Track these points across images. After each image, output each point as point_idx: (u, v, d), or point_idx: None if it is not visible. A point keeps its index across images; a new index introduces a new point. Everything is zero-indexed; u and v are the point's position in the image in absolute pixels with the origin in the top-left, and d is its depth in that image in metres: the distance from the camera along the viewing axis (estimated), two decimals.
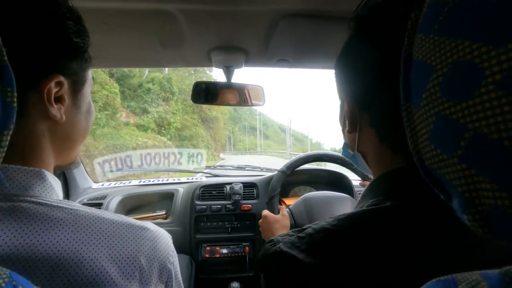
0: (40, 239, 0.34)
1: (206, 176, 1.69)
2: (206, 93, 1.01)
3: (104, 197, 1.42)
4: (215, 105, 1.03)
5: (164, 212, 1.46)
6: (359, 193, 1.44)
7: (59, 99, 0.40)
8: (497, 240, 0.18)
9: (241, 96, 1.05)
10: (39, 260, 0.33)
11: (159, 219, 1.42)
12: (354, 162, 0.48)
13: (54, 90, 0.38)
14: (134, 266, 0.39)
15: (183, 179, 1.65)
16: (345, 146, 0.49)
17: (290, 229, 1.05)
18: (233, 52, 0.90)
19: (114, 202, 1.39)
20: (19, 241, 0.33)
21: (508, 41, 0.15)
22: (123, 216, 0.43)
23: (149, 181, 1.65)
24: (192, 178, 1.65)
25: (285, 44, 0.85)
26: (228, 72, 0.98)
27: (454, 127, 0.19)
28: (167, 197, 1.50)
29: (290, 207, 1.11)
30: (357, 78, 0.40)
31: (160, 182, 1.62)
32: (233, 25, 0.76)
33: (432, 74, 0.20)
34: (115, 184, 1.62)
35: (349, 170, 1.25)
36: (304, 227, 0.38)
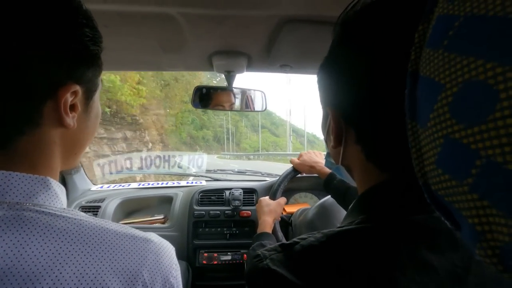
0: (41, 250, 0.33)
1: (206, 180, 1.68)
2: (206, 98, 0.99)
3: (102, 200, 1.40)
4: (215, 109, 1.02)
5: (162, 216, 1.44)
6: None
7: (72, 107, 0.39)
8: None
9: (242, 101, 1.03)
10: (40, 273, 0.32)
11: (157, 223, 1.41)
12: (337, 173, 0.47)
13: (70, 99, 0.38)
14: (137, 281, 0.38)
15: (183, 183, 1.63)
16: (328, 156, 0.46)
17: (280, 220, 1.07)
18: (235, 56, 0.88)
19: (112, 205, 1.38)
20: (21, 252, 0.32)
21: None
22: (126, 227, 0.42)
23: (149, 184, 1.64)
24: (192, 182, 1.63)
25: (288, 50, 0.84)
26: (230, 77, 0.97)
27: (464, 152, 0.17)
28: (166, 201, 1.49)
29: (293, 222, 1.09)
30: (343, 90, 0.37)
31: (159, 185, 1.61)
32: (235, 30, 0.75)
33: (440, 93, 0.19)
34: (114, 186, 1.60)
35: None
36: (293, 242, 0.36)
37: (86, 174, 1.59)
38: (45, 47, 0.35)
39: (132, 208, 1.49)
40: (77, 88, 0.38)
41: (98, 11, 0.66)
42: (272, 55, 0.87)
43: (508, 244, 0.15)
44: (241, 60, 0.90)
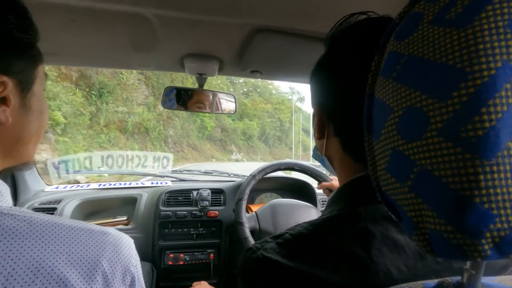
0: None
1: (171, 181, 1.66)
2: (177, 99, 1.00)
3: (58, 201, 1.32)
4: (185, 111, 1.03)
5: (125, 218, 1.39)
6: (322, 201, 1.51)
7: (3, 100, 0.37)
8: (436, 257, 0.22)
9: (213, 103, 1.05)
10: None
11: (120, 225, 1.36)
12: (322, 164, 0.53)
13: None
14: (96, 270, 0.38)
15: (148, 183, 1.59)
16: (315, 149, 0.53)
17: (255, 234, 1.10)
18: (207, 60, 0.90)
19: (70, 207, 1.30)
20: None
21: (448, 97, 0.19)
22: (81, 222, 0.42)
23: (110, 184, 1.57)
24: (157, 183, 1.60)
25: (259, 57, 0.88)
26: (201, 79, 0.98)
27: (406, 161, 0.22)
28: (130, 202, 1.44)
29: (257, 211, 1.15)
30: (326, 92, 0.45)
31: (122, 186, 1.55)
32: (209, 35, 0.77)
33: (390, 114, 0.24)
34: (71, 187, 1.51)
35: (313, 179, 1.31)
36: (281, 233, 0.40)
37: (39, 174, 1.48)
38: None
39: (92, 210, 1.42)
40: (4, 79, 0.36)
41: (66, 5, 0.64)
42: (243, 61, 0.91)
43: (433, 231, 0.20)
44: (213, 64, 0.92)
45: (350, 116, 0.41)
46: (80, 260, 0.37)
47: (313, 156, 0.55)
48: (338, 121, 0.43)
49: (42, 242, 0.35)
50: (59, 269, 0.35)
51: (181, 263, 1.26)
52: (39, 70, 0.43)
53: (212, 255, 1.30)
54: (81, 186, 1.53)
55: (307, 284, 0.34)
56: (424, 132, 0.20)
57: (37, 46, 0.42)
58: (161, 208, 1.32)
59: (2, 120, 0.37)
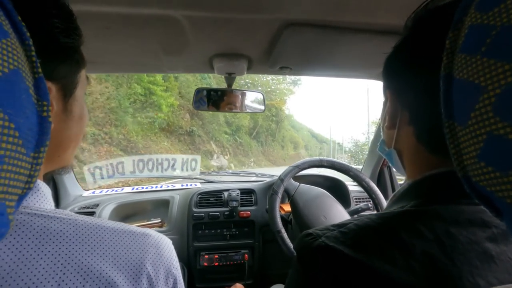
0: (40, 253, 0.32)
1: (200, 182, 1.67)
2: (207, 99, 1.00)
3: (96, 205, 1.37)
4: (216, 111, 1.03)
5: (159, 220, 1.42)
6: (355, 198, 1.46)
7: None
8: None
9: (242, 103, 1.05)
10: (43, 275, 0.31)
11: (154, 228, 1.39)
12: (388, 160, 0.49)
13: None
14: (141, 274, 0.38)
15: (178, 186, 1.62)
16: (383, 143, 0.49)
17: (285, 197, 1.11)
18: (236, 59, 0.90)
19: (107, 211, 1.35)
20: (18, 256, 0.31)
21: None
22: (122, 223, 0.42)
23: (143, 188, 1.61)
24: (187, 185, 1.62)
25: (289, 52, 0.86)
26: (230, 79, 0.98)
27: (509, 147, 0.19)
28: (162, 205, 1.47)
29: (301, 183, 1.17)
30: (403, 76, 0.41)
31: (154, 189, 1.59)
32: (238, 33, 0.76)
33: (482, 94, 0.21)
34: (106, 191, 1.57)
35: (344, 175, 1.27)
36: (344, 222, 0.37)
37: (77, 179, 1.55)
38: None
39: (127, 213, 1.47)
40: (48, 84, 0.35)
41: (100, 13, 0.65)
42: (272, 57, 0.89)
43: None
44: (242, 62, 0.91)
45: (429, 103, 0.36)
46: (126, 263, 0.37)
47: (379, 150, 0.51)
48: (415, 108, 0.39)
49: (88, 245, 0.36)
50: (106, 273, 0.35)
51: (216, 264, 1.27)
52: (81, 75, 0.43)
53: (246, 255, 1.29)
54: (116, 190, 1.58)
55: (374, 280, 0.30)
56: None
57: (80, 50, 0.42)
58: (194, 209, 1.33)
59: None
